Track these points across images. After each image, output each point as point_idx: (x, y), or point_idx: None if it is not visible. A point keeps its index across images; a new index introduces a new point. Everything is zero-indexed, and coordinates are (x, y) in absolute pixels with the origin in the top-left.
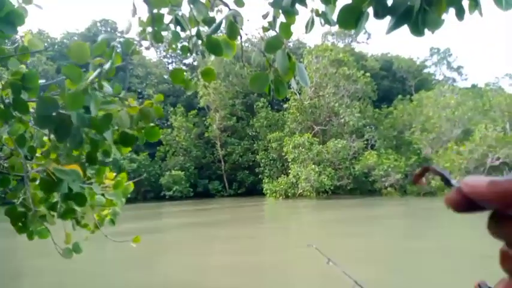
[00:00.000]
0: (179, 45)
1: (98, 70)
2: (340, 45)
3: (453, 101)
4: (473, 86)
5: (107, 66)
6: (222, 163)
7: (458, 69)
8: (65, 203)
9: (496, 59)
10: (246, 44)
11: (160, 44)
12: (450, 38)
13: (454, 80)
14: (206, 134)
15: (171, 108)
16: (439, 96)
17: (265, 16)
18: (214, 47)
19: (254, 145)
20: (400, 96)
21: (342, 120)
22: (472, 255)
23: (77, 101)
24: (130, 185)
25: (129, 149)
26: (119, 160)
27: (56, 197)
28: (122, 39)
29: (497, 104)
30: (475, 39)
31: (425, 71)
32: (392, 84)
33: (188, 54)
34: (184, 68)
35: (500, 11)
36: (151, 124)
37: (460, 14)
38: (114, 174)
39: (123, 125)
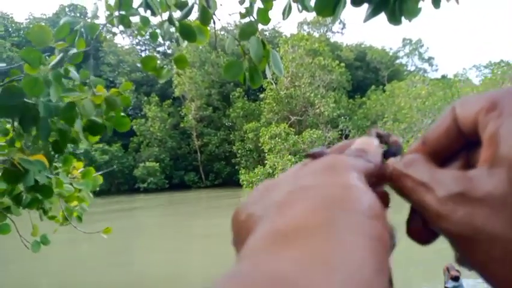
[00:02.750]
0: (149, 31)
1: (61, 55)
2: (316, 34)
3: (424, 91)
4: (443, 77)
5: (72, 51)
6: (198, 154)
7: (429, 60)
8: (31, 194)
9: (465, 50)
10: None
11: (129, 31)
12: (422, 29)
13: (425, 71)
14: (182, 125)
15: (145, 98)
16: (411, 86)
17: (242, 1)
18: (187, 32)
19: (230, 136)
20: (373, 87)
21: (318, 110)
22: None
23: (37, 86)
24: (99, 177)
25: (97, 137)
26: (90, 151)
27: (20, 189)
28: (86, 23)
29: (465, 95)
30: (446, 30)
31: (398, 61)
32: (366, 74)
33: (162, 42)
34: (158, 56)
35: (470, 2)
36: (122, 114)
37: (436, 2)
38: (83, 163)
39: (87, 114)
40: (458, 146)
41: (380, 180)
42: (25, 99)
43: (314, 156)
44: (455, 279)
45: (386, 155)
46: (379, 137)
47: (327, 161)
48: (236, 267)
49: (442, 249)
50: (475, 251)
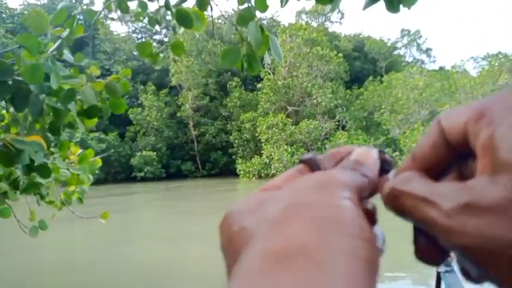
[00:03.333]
0: (147, 17)
1: (59, 41)
2: (314, 24)
3: (421, 82)
4: (441, 68)
5: (64, 34)
6: (195, 143)
7: (427, 52)
8: (28, 177)
9: (463, 42)
10: (220, 21)
11: (127, 17)
12: (420, 20)
13: (422, 62)
14: (178, 114)
15: (141, 87)
16: (408, 77)
17: None
18: (184, 18)
19: (227, 125)
20: (371, 78)
21: (315, 101)
22: None
23: (37, 73)
24: (97, 161)
25: (94, 121)
26: (87, 140)
27: (17, 174)
28: (83, 9)
29: (462, 86)
30: (445, 21)
31: (396, 52)
32: (363, 65)
33: (159, 30)
34: (154, 44)
35: None
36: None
37: None
38: (80, 150)
39: (87, 101)
40: (448, 159)
41: (373, 194)
42: (16, 78)
43: (305, 162)
44: (447, 263)
45: (381, 172)
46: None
47: (320, 179)
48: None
49: None
50: (487, 261)
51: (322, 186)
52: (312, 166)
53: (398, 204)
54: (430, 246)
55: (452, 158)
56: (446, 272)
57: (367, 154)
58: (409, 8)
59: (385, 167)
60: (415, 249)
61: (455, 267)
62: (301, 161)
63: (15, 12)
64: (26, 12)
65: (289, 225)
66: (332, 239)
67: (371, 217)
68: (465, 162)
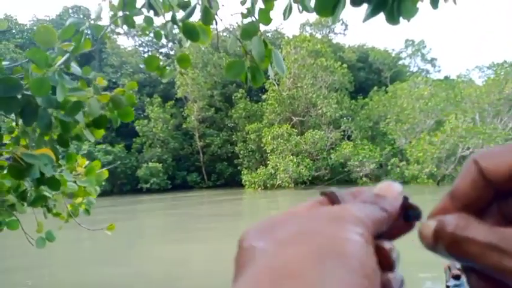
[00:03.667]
0: (153, 31)
1: (67, 55)
2: (318, 36)
3: (426, 92)
4: (446, 78)
5: (71, 47)
6: (201, 155)
7: (432, 61)
8: (36, 190)
9: (468, 51)
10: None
11: (134, 31)
12: (425, 31)
13: (427, 72)
14: (184, 125)
15: (148, 99)
16: (413, 87)
17: (243, 2)
18: (190, 32)
19: (233, 136)
20: (375, 88)
21: (320, 111)
22: None
23: (44, 86)
24: (104, 173)
25: (102, 132)
26: (93, 152)
27: (25, 186)
28: (91, 24)
29: (467, 96)
30: (449, 32)
31: (400, 62)
32: (368, 75)
33: (165, 43)
34: (160, 57)
35: (475, 2)
36: None
37: (434, 2)
38: (87, 162)
39: (92, 113)
40: (488, 198)
41: (396, 234)
42: (25, 92)
43: (327, 195)
44: (457, 277)
45: (406, 217)
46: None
47: (335, 211)
48: None
49: None
50: None
51: (335, 218)
52: (333, 199)
53: (460, 250)
54: (485, 285)
55: (492, 197)
56: (455, 286)
57: (389, 188)
58: (408, 20)
59: (411, 214)
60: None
61: (465, 282)
62: (323, 194)
63: (25, 27)
64: (35, 27)
65: (292, 248)
66: (327, 269)
67: (385, 257)
68: (505, 200)
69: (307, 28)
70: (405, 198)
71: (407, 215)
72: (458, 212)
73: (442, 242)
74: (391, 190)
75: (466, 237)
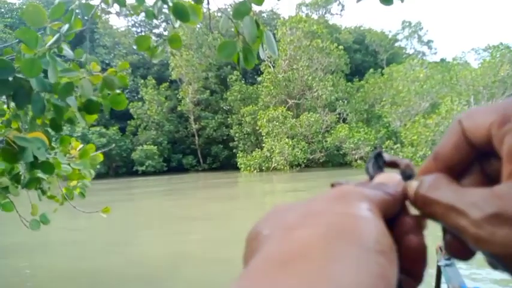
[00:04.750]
0: (144, 10)
1: (57, 35)
2: (314, 17)
3: (422, 74)
4: (442, 60)
5: (64, 28)
6: (196, 137)
7: (428, 43)
8: (30, 173)
9: (464, 33)
10: (218, 14)
11: (125, 10)
12: (422, 12)
13: (423, 54)
14: (179, 108)
15: (142, 81)
16: (409, 70)
17: None
18: (180, 12)
19: (228, 119)
20: (371, 70)
21: (315, 93)
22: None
23: (35, 67)
24: (99, 156)
25: (94, 117)
26: (88, 134)
27: (19, 168)
28: (81, 3)
29: (463, 78)
30: (445, 13)
31: (397, 44)
32: (364, 57)
33: (158, 23)
34: (153, 38)
35: None
36: (117, 91)
37: None
38: (81, 145)
39: (85, 94)
40: (470, 158)
41: (400, 211)
42: (16, 75)
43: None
44: (448, 257)
45: (404, 177)
46: (392, 163)
47: (342, 190)
48: (234, 286)
49: (434, 230)
50: None
51: (342, 197)
52: None
53: (428, 210)
54: (458, 245)
55: (474, 157)
56: (447, 265)
57: (390, 177)
58: (402, 1)
59: (407, 174)
60: (445, 245)
61: (455, 261)
62: (333, 185)
63: (14, 7)
64: (24, 6)
65: (301, 230)
66: (339, 247)
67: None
68: (487, 160)
69: (304, 8)
70: (396, 160)
71: (404, 174)
72: (438, 173)
73: (417, 203)
74: (392, 179)
75: (433, 199)
